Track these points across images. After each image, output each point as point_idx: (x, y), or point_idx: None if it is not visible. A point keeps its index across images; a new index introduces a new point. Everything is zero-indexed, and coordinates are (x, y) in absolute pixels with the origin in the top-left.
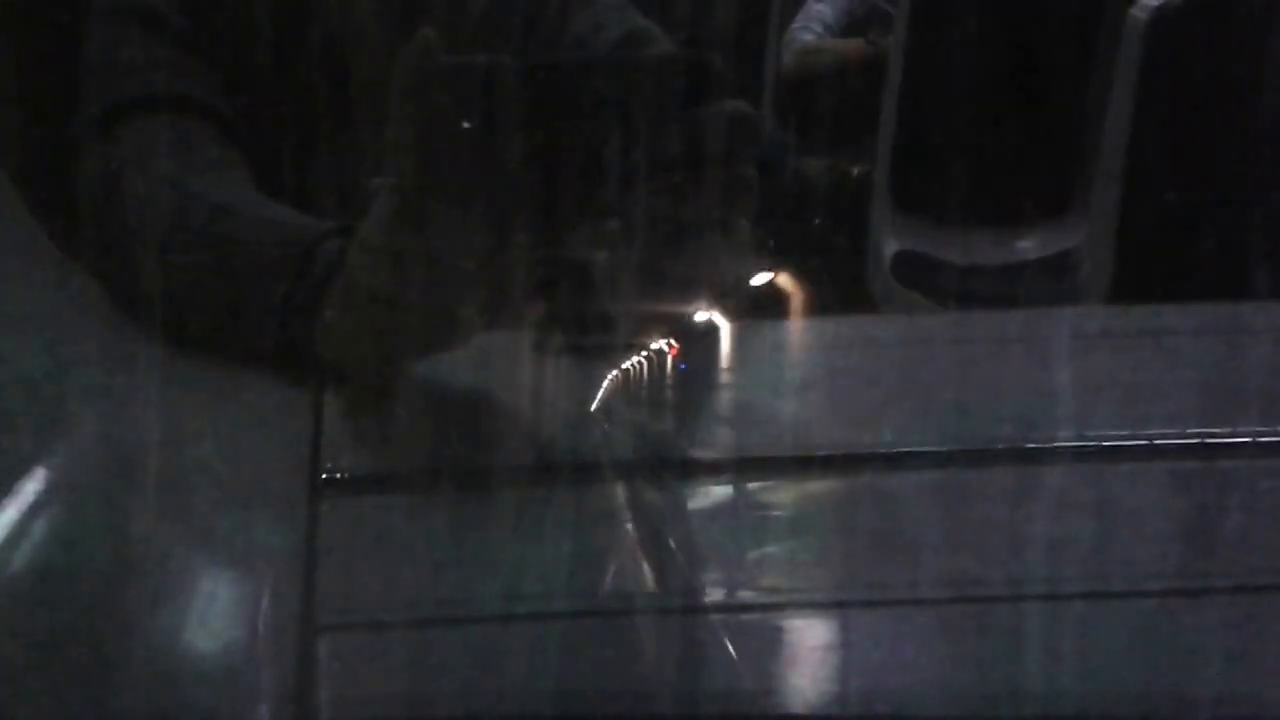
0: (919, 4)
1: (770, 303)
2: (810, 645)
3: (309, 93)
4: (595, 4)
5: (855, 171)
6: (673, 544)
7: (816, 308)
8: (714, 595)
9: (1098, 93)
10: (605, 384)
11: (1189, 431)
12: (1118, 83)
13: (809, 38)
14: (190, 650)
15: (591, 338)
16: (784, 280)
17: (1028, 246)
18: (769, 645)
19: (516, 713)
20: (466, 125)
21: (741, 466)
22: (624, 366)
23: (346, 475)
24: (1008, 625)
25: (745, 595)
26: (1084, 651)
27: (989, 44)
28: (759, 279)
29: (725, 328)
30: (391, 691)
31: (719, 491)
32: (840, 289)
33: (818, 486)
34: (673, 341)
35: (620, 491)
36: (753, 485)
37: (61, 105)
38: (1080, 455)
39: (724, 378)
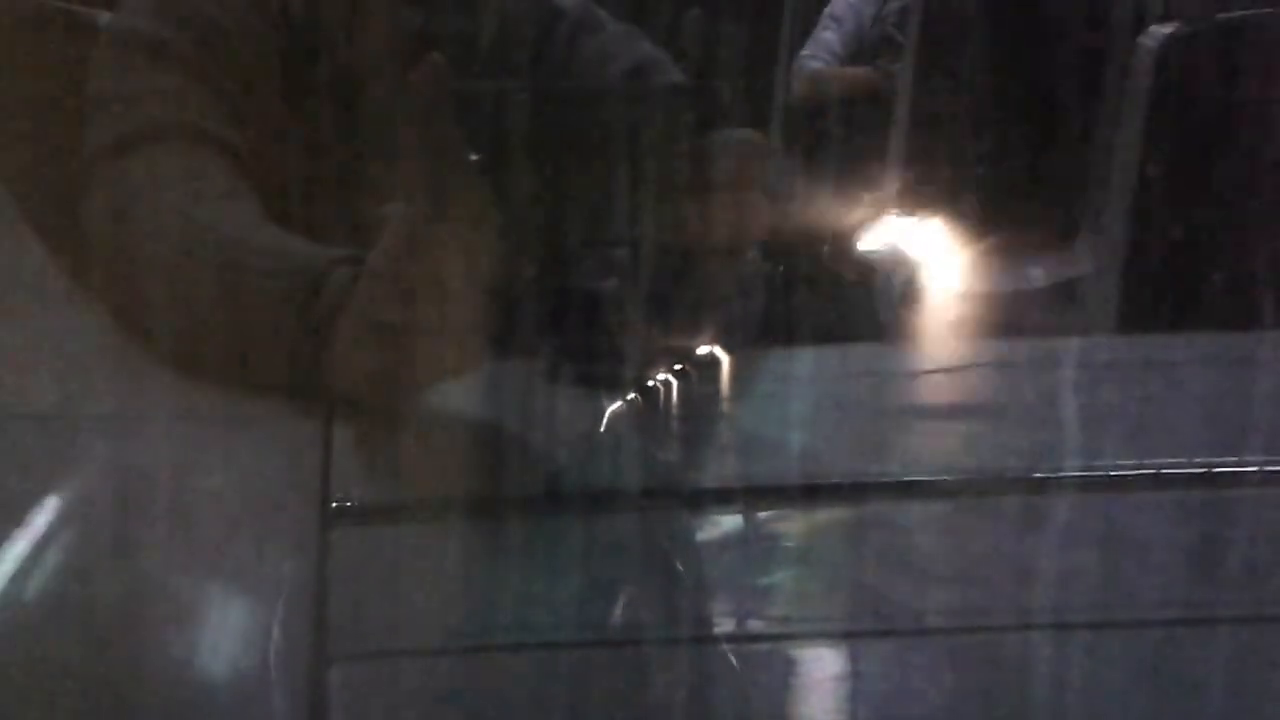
0: (928, 32)
1: (779, 330)
2: (820, 675)
3: (318, 123)
4: (604, 33)
5: (864, 199)
6: (682, 574)
7: (825, 335)
8: (724, 625)
9: (1107, 121)
10: (614, 413)
11: (1196, 461)
12: (1127, 111)
13: (818, 65)
14: (201, 682)
15: (600, 366)
16: (792, 307)
17: (1036, 274)
18: (779, 675)
19: None
20: (475, 152)
21: (750, 496)
22: (633, 395)
23: (357, 505)
24: (1015, 655)
25: (755, 625)
26: (1090, 682)
27: (998, 72)
28: (768, 306)
29: (734, 356)
30: None
31: (728, 521)
32: (849, 316)
33: (826, 516)
34: (681, 369)
35: (630, 521)
36: (762, 515)
37: (71, 136)
38: (1087, 485)
39: (733, 406)
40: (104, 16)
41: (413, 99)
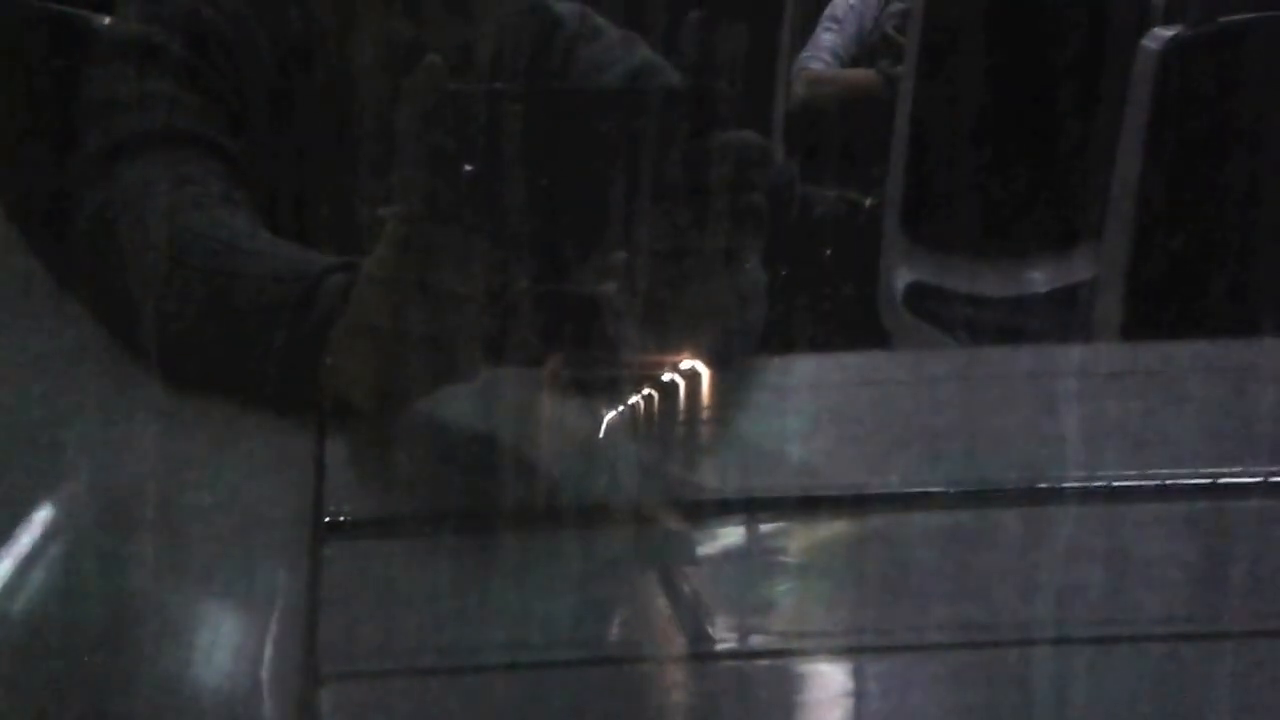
0: (930, 34)
1: (780, 336)
2: (823, 691)
3: (314, 129)
4: (603, 39)
5: (866, 202)
6: (683, 588)
7: (827, 340)
8: (725, 641)
9: (1108, 125)
10: (613, 421)
11: (1200, 472)
12: (1129, 115)
13: (819, 67)
14: (191, 700)
15: (599, 373)
16: (793, 312)
17: (1038, 279)
18: (781, 691)
19: None
20: (472, 155)
21: (753, 507)
22: (632, 402)
23: (349, 519)
24: (1017, 670)
25: (757, 641)
26: (1093, 697)
27: (1000, 75)
28: (768, 311)
29: (734, 362)
30: None
31: (730, 533)
32: (851, 321)
33: (828, 528)
34: (682, 376)
35: (629, 534)
36: (765, 527)
37: (62, 142)
38: (1089, 496)
39: (733, 413)
40: (99, 20)
41: (408, 103)
